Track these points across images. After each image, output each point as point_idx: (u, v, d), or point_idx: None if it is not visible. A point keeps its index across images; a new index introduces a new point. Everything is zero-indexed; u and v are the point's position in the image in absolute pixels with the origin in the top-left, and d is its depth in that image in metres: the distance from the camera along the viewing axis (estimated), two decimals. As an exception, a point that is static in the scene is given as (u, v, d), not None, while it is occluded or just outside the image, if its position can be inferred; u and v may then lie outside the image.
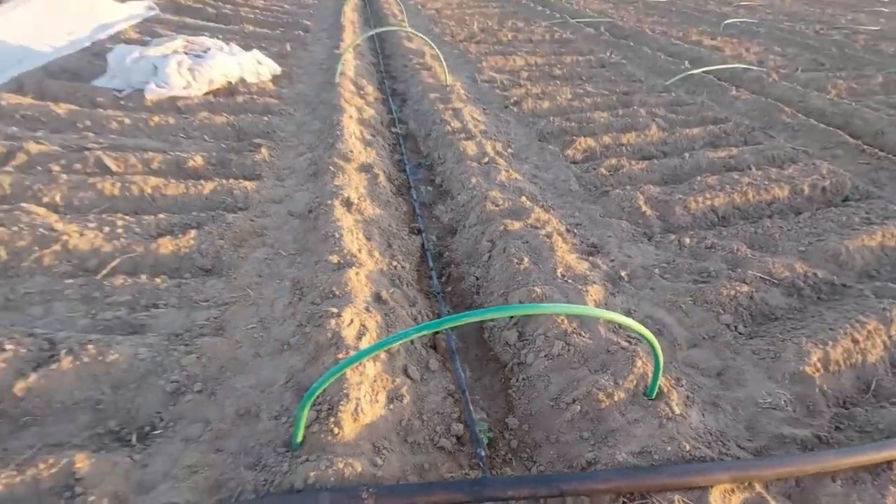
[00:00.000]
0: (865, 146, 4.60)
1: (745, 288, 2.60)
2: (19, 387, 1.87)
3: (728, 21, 10.79)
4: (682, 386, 2.06)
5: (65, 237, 2.65)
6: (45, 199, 3.07)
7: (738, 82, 6.53)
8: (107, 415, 1.88)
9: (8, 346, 1.99)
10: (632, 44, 8.31)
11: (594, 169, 3.91)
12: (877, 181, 4.06)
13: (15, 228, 2.70)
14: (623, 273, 2.77)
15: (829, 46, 9.39)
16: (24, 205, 2.92)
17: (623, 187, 3.61)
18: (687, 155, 4.19)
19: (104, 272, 2.54)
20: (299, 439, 1.71)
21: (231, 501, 1.54)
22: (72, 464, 1.60)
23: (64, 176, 3.24)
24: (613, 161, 3.98)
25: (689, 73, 6.55)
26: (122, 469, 1.63)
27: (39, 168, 3.43)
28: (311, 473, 1.59)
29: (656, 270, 2.82)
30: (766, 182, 3.72)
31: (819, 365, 2.15)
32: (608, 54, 7.56)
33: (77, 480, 1.57)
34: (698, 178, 3.73)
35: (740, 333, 2.41)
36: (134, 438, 1.80)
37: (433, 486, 1.59)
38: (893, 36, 10.75)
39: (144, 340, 2.10)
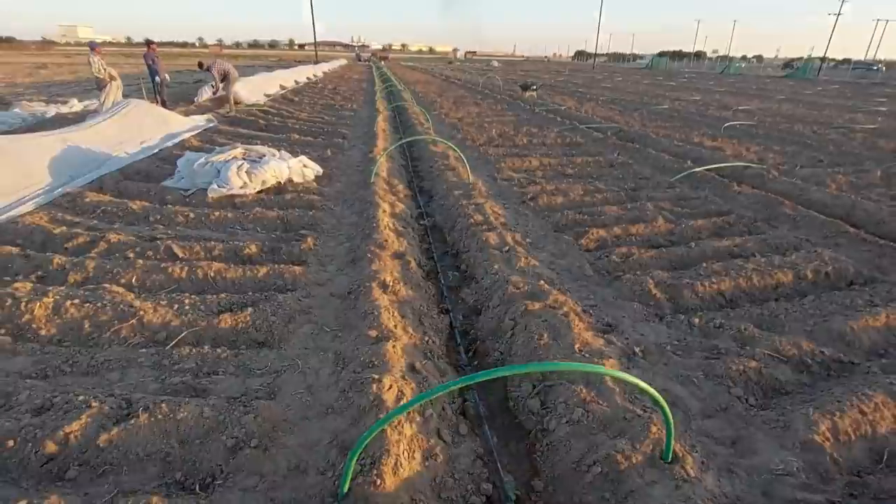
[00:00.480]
0: (867, 235, 4.88)
1: (754, 363, 2.78)
2: (102, 439, 2.14)
3: (728, 124, 11.71)
4: (696, 452, 2.20)
5: (141, 313, 3.06)
6: (123, 281, 3.54)
7: (739, 178, 7.02)
8: (174, 466, 2.11)
9: (93, 404, 2.30)
10: (637, 146, 9.08)
11: (606, 256, 4.26)
12: (881, 267, 4.27)
13: (99, 305, 3.13)
14: (637, 349, 2.98)
15: (826, 144, 10.04)
16: (106, 285, 3.39)
17: (634, 272, 3.92)
18: (693, 244, 4.53)
19: (172, 343, 2.90)
20: (346, 489, 1.90)
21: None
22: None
23: (139, 261, 3.75)
24: (624, 249, 4.34)
25: (693, 170, 7.12)
26: (189, 512, 1.83)
27: (118, 255, 3.96)
28: (357, 519, 1.77)
29: (668, 347, 3.03)
30: (770, 268, 3.99)
31: (828, 434, 2.27)
32: (615, 155, 8.28)
33: (152, 520, 1.78)
34: (704, 264, 4.03)
35: (751, 405, 2.55)
36: (197, 487, 2.01)
37: (466, 534, 1.74)
38: (891, 133, 11.42)
39: (208, 402, 2.38)
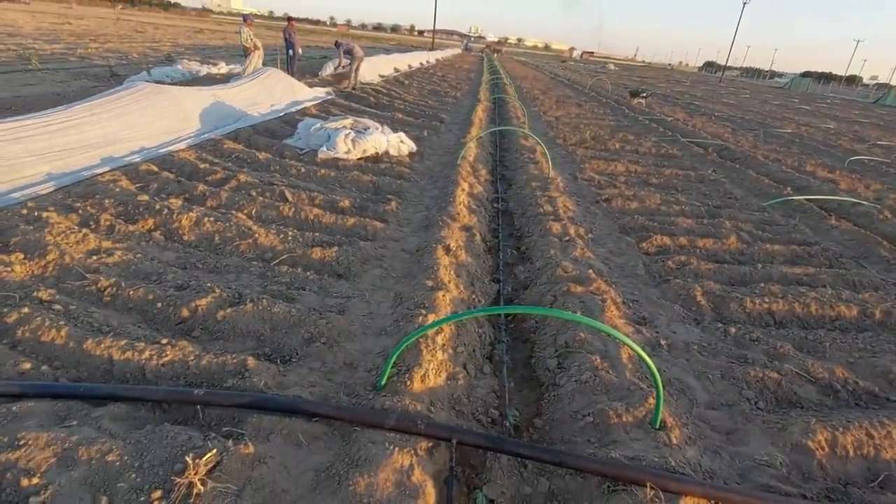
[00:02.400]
0: (968, 292, 4.48)
1: (776, 375, 2.90)
2: (220, 314, 2.90)
3: (854, 157, 10.69)
4: (687, 429, 2.46)
5: (256, 235, 3.86)
6: (245, 211, 4.40)
7: (845, 215, 6.56)
8: (264, 344, 2.80)
9: (216, 290, 3.07)
10: (738, 166, 8.69)
11: (662, 261, 4.40)
12: (971, 325, 3.97)
13: (226, 224, 3.99)
14: (663, 342, 3.21)
15: (970, 195, 8.83)
16: (233, 212, 4.27)
17: (685, 279, 4.06)
18: (759, 265, 4.51)
19: (275, 262, 3.65)
20: (383, 383, 2.45)
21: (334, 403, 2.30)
22: (245, 361, 2.50)
23: (259, 198, 4.61)
24: (683, 258, 4.45)
25: (789, 199, 6.78)
26: (271, 372, 2.49)
27: (243, 191, 4.87)
28: (387, 403, 2.30)
29: (695, 347, 3.21)
30: (835, 301, 3.90)
31: (824, 444, 2.40)
32: (709, 172, 8.04)
33: (246, 370, 2.46)
34: (763, 284, 4.04)
35: (759, 408, 2.71)
36: (279, 361, 2.68)
37: (469, 431, 2.21)
38: None
39: (294, 306, 3.06)
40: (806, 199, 6.78)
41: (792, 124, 17.02)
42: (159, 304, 2.98)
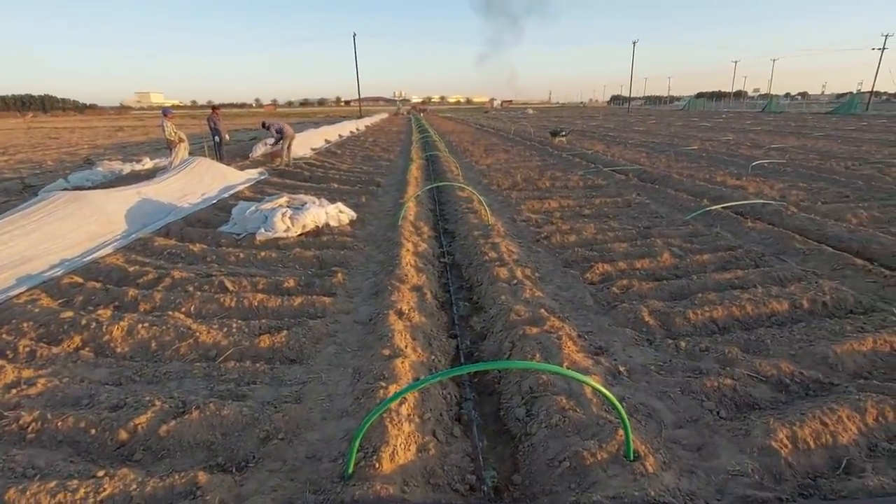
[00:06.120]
0: (875, 267, 4.95)
1: (730, 381, 3.01)
2: (163, 429, 2.67)
3: (756, 163, 11.79)
4: (660, 454, 2.47)
5: (197, 334, 3.66)
6: (183, 309, 4.19)
7: (758, 216, 7.16)
8: (216, 454, 2.59)
9: (156, 403, 2.85)
10: (657, 186, 9.36)
11: (607, 288, 4.58)
12: (884, 297, 4.35)
13: (163, 328, 3.76)
14: (622, 369, 3.28)
15: (857, 180, 9.96)
16: (170, 312, 4.05)
17: (631, 302, 4.22)
18: (694, 276, 4.78)
19: (221, 359, 3.45)
20: (350, 471, 2.32)
21: (300, 506, 2.14)
22: (195, 478, 2.30)
23: (197, 293, 4.41)
24: (625, 282, 4.64)
25: (708, 209, 7.33)
26: (227, 485, 2.30)
27: (179, 288, 4.66)
28: (357, 493, 2.17)
29: (653, 367, 3.30)
30: (767, 298, 4.18)
31: (786, 441, 2.49)
32: (634, 196, 8.60)
33: (198, 488, 2.25)
34: (700, 294, 4.27)
35: (722, 417, 2.79)
36: (234, 469, 2.48)
37: (444, 506, 2.11)
38: (928, 169, 11.09)
39: (246, 404, 2.88)
40: (722, 208, 7.36)
41: (697, 141, 18.71)
42: (93, 431, 2.71)
